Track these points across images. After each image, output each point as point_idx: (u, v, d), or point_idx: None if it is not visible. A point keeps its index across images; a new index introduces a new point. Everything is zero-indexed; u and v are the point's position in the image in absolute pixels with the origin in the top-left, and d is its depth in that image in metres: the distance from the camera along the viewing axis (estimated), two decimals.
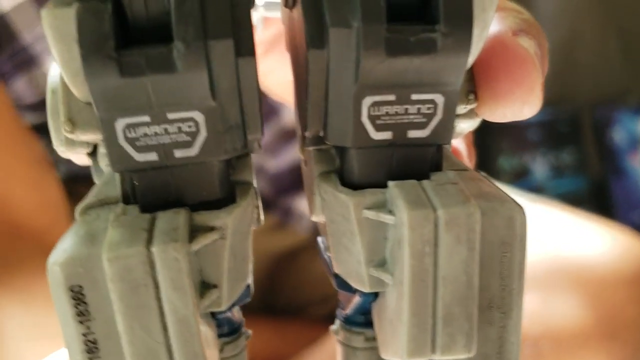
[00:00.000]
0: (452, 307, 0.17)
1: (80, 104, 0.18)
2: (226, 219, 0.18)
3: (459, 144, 0.26)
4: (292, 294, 0.67)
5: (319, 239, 0.22)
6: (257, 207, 0.19)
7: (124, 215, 0.17)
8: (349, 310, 0.21)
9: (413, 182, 0.18)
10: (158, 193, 0.18)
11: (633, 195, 1.07)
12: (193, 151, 0.17)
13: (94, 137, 0.18)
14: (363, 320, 0.21)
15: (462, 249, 0.17)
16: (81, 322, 0.17)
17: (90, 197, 0.19)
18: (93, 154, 0.20)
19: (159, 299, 0.17)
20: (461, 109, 0.19)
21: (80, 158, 0.20)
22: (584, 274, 0.57)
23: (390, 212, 0.17)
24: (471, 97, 0.19)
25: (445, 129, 0.18)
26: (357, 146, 0.18)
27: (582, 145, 1.10)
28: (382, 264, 0.18)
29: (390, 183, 0.18)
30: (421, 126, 0.17)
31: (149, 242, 0.16)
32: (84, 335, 0.17)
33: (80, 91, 0.17)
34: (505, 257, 0.18)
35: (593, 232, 0.59)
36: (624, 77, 1.04)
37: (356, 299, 0.20)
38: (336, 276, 0.20)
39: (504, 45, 0.18)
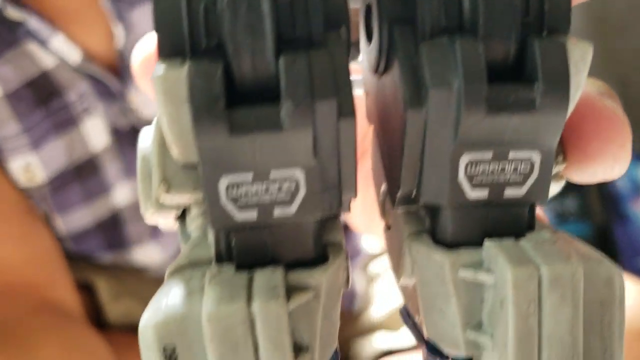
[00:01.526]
0: None
1: (174, 167, 0.18)
2: (321, 278, 0.17)
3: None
4: None
5: (401, 308, 0.21)
6: (347, 268, 0.19)
7: (220, 274, 0.17)
8: None
9: (511, 240, 0.17)
10: (254, 252, 0.17)
11: (636, 242, 1.07)
12: (292, 210, 0.17)
13: (188, 198, 0.18)
14: None
15: (566, 309, 0.17)
16: None
17: (181, 258, 0.18)
18: (181, 217, 0.20)
19: (257, 358, 0.16)
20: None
21: (167, 222, 0.20)
22: None
23: (489, 271, 0.17)
24: (560, 158, 0.19)
25: (542, 187, 0.17)
26: (452, 205, 0.17)
27: (585, 191, 1.11)
28: (478, 327, 0.18)
29: (488, 242, 0.17)
30: (518, 185, 0.17)
31: (249, 299, 0.16)
32: None
33: (182, 152, 0.17)
34: (605, 317, 0.17)
35: None
36: None
37: None
38: (427, 342, 0.19)
39: (592, 106, 0.19)
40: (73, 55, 0.57)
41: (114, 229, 0.63)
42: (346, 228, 0.73)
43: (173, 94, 0.16)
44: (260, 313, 0.16)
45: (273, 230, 0.17)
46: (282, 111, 0.16)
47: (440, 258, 0.18)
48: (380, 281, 0.76)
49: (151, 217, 0.20)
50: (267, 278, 0.17)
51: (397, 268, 0.20)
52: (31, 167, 0.59)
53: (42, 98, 0.58)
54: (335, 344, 0.19)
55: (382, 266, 0.76)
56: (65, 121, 0.59)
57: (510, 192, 0.17)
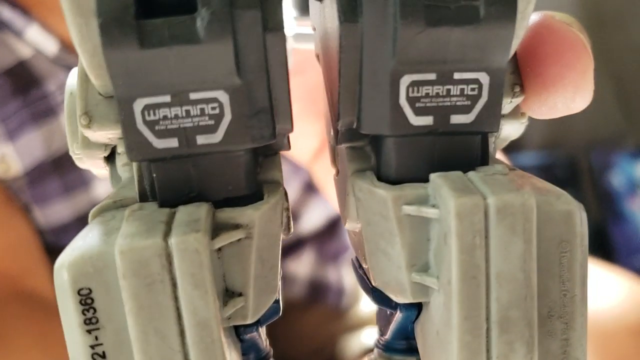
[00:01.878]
0: (509, 310, 0.15)
1: (97, 97, 0.16)
2: (253, 216, 0.16)
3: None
4: (283, 347, 0.65)
5: (353, 258, 0.20)
6: (288, 210, 0.17)
7: (140, 209, 0.16)
8: (388, 335, 0.19)
9: (458, 172, 0.16)
10: (178, 187, 0.16)
11: (633, 240, 1.05)
12: (217, 137, 0.15)
13: (112, 133, 0.17)
14: (404, 346, 0.19)
15: (517, 241, 0.15)
16: (89, 332, 0.15)
17: (106, 199, 0.17)
18: (110, 159, 0.18)
19: (176, 299, 0.15)
20: (506, 103, 0.17)
21: (97, 165, 0.19)
22: (589, 324, 0.54)
23: (434, 206, 0.16)
24: (517, 89, 0.17)
25: (492, 113, 0.16)
26: (395, 133, 0.16)
27: (580, 189, 1.09)
28: (425, 269, 0.16)
29: (433, 175, 0.16)
30: (465, 110, 0.16)
31: (167, 234, 0.15)
32: (92, 347, 0.15)
33: (97, 75, 0.15)
34: (564, 257, 0.16)
35: (595, 279, 0.57)
36: (620, 121, 1.03)
37: (396, 320, 0.18)
38: (374, 290, 0.18)
39: (551, 29, 0.17)
40: (49, 45, 0.56)
41: None
42: (332, 228, 0.72)
43: (81, 5, 0.14)
44: (178, 247, 0.15)
45: (198, 162, 0.16)
46: (197, 21, 0.14)
47: (383, 194, 0.16)
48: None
49: (80, 160, 0.18)
50: (189, 212, 0.15)
51: (343, 212, 0.18)
52: (6, 158, 0.57)
53: (20, 88, 0.56)
54: (275, 294, 0.17)
55: None
56: (44, 112, 0.57)
57: (457, 119, 0.16)
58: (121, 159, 0.18)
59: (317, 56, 0.20)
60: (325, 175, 0.38)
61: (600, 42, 1.03)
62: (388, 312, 0.18)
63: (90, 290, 0.15)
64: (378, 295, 0.17)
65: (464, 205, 0.15)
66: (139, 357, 0.15)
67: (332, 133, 0.19)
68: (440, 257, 0.16)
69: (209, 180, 0.16)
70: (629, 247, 1.06)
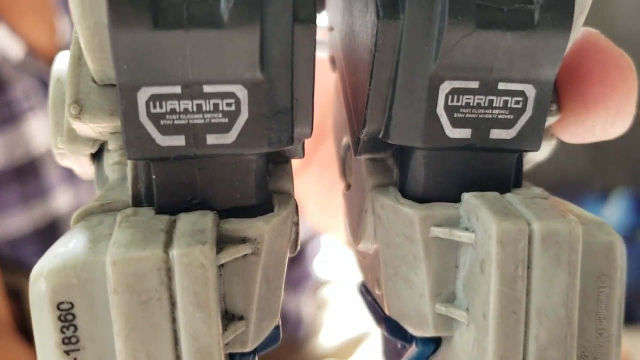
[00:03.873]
0: (548, 350, 0.13)
1: (91, 85, 0.14)
2: (262, 230, 0.14)
3: None
4: None
5: (359, 283, 0.18)
6: (297, 225, 0.16)
7: (135, 215, 0.14)
8: None
9: (495, 194, 0.14)
10: (180, 192, 0.14)
11: None
12: (230, 138, 0.13)
13: (104, 127, 0.15)
14: None
15: (562, 274, 0.13)
16: (67, 353, 0.13)
17: (91, 202, 0.15)
18: (97, 157, 0.16)
19: (174, 321, 0.13)
20: None
21: (82, 163, 0.16)
22: None
23: (467, 230, 0.14)
24: (554, 107, 0.16)
25: (535, 130, 0.14)
26: (428, 146, 0.14)
27: None
28: (451, 300, 0.14)
29: (467, 195, 0.14)
30: (507, 125, 0.14)
31: (168, 245, 0.13)
32: None
33: (96, 59, 0.13)
34: (602, 293, 0.14)
35: None
36: (588, 164, 1.04)
37: (408, 356, 0.16)
38: (387, 320, 0.16)
39: (597, 45, 0.16)
40: (15, 50, 0.54)
41: (52, 237, 0.59)
42: (295, 255, 0.70)
43: None
44: (181, 261, 0.13)
45: (205, 165, 0.14)
46: (222, 3, 0.12)
47: (409, 213, 0.14)
48: (331, 309, 0.73)
49: (63, 156, 0.16)
50: (193, 221, 0.13)
51: (357, 231, 0.16)
52: None
53: None
54: (277, 319, 0.15)
55: (333, 293, 0.73)
56: (7, 119, 0.55)
57: (497, 134, 0.14)
58: (112, 157, 0.16)
59: (332, 59, 0.18)
60: (305, 194, 0.36)
61: None
62: (399, 346, 0.17)
63: (72, 305, 0.13)
64: (392, 326, 0.16)
65: (508, 231, 0.13)
66: None
67: (343, 143, 0.17)
68: (472, 287, 0.14)
69: (215, 186, 0.14)
70: None
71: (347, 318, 0.71)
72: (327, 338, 0.69)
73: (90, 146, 0.16)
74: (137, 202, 0.14)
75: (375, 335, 0.67)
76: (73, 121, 0.14)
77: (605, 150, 1.03)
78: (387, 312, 0.16)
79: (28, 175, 0.58)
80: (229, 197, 0.14)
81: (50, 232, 0.60)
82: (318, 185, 0.27)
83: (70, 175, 0.59)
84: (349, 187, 0.18)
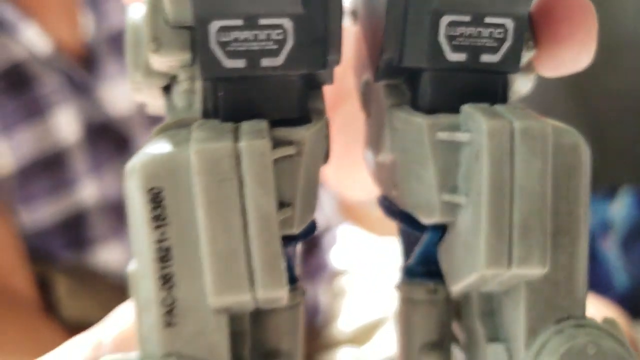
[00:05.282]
0: (528, 219, 0.17)
1: (164, 27, 0.18)
2: (304, 135, 0.18)
3: None
4: None
5: (378, 197, 0.22)
6: (328, 138, 0.20)
7: (206, 122, 0.18)
8: (411, 260, 0.21)
9: (486, 104, 0.18)
10: (240, 105, 0.18)
11: (604, 280, 1.08)
12: (279, 60, 0.18)
13: (176, 59, 0.19)
14: (424, 270, 0.21)
15: (536, 161, 0.17)
16: (156, 228, 0.17)
17: (166, 121, 0.19)
18: (167, 90, 0.20)
19: (242, 196, 0.17)
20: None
21: (153, 95, 0.21)
22: None
23: (465, 132, 0.18)
24: (530, 44, 0.20)
25: (515, 56, 0.18)
26: (433, 67, 0.18)
27: None
28: (454, 190, 0.18)
29: (464, 106, 0.18)
30: (493, 50, 0.18)
31: (236, 139, 0.17)
32: (158, 242, 0.17)
33: (175, 1, 0.18)
34: (572, 182, 0.18)
35: None
36: (594, 163, 1.07)
37: (420, 244, 0.20)
38: (403, 214, 0.20)
39: None
40: (43, 46, 0.58)
41: (77, 228, 0.63)
42: (312, 246, 0.73)
43: None
44: (247, 149, 0.17)
45: (259, 84, 0.18)
46: None
47: (419, 121, 0.18)
48: (346, 297, 0.76)
49: (138, 90, 0.20)
50: (252, 125, 0.17)
51: (377, 147, 0.20)
52: (1, 154, 0.58)
53: (14, 89, 0.58)
54: (313, 214, 0.19)
55: (349, 282, 0.76)
56: (37, 112, 0.59)
57: (486, 58, 0.18)
58: (181, 86, 0.20)
59: (353, 13, 0.22)
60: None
61: (579, 89, 1.07)
62: (412, 240, 0.21)
63: (160, 190, 0.17)
64: (407, 219, 0.20)
65: (495, 126, 0.17)
66: (206, 247, 0.17)
67: (363, 80, 0.21)
68: (470, 176, 0.18)
69: (267, 100, 0.18)
70: (600, 287, 1.08)
71: (363, 305, 0.74)
72: (343, 324, 0.73)
73: (162, 79, 0.20)
74: (205, 116, 0.18)
75: (388, 321, 0.70)
76: (151, 55, 0.19)
77: (611, 148, 1.06)
78: (402, 207, 0.20)
79: (55, 166, 0.61)
80: (277, 110, 0.18)
81: (75, 224, 0.63)
82: (334, 144, 0.30)
83: (95, 167, 0.62)
84: (369, 115, 0.22)
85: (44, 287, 0.63)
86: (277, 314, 0.20)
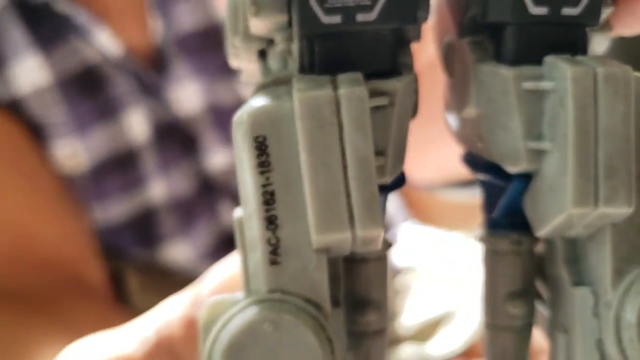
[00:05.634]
0: (613, 160, 0.18)
1: None
2: (396, 86, 0.19)
3: None
4: None
5: (462, 154, 0.23)
6: (417, 92, 0.21)
7: (305, 76, 0.19)
8: (495, 213, 0.22)
9: (568, 55, 0.19)
10: (336, 60, 0.19)
11: None
12: (372, 15, 0.19)
13: (274, 22, 0.20)
14: (508, 222, 0.22)
15: (620, 104, 0.18)
16: (262, 173, 0.18)
17: (264, 80, 0.20)
18: (262, 56, 0.22)
19: (341, 140, 0.18)
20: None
21: (250, 59, 0.22)
22: None
23: (549, 81, 0.19)
24: (608, 0, 0.21)
25: (595, 8, 0.19)
26: (515, 21, 0.19)
27: None
28: (539, 137, 0.19)
29: (547, 57, 0.19)
30: (573, 3, 0.19)
31: (335, 88, 0.18)
32: (263, 186, 0.19)
33: None
34: None
35: None
36: None
37: (505, 195, 0.21)
38: (489, 165, 0.21)
39: None
40: (115, 49, 0.60)
41: (146, 226, 0.65)
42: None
43: None
44: (346, 96, 0.18)
45: (353, 38, 0.19)
46: None
47: (505, 72, 0.20)
48: (410, 294, 0.76)
49: (236, 55, 0.22)
50: (349, 75, 0.19)
51: (462, 103, 0.21)
52: (77, 153, 0.61)
53: (88, 91, 0.61)
54: (402, 166, 0.20)
55: (411, 280, 0.77)
56: (110, 113, 0.61)
57: (567, 11, 0.19)
58: (278, 47, 0.21)
59: None
60: None
61: None
62: (495, 192, 0.22)
63: (265, 138, 0.18)
64: (492, 170, 0.21)
65: (578, 72, 0.18)
66: (309, 187, 0.18)
67: (446, 40, 0.23)
68: (555, 122, 0.19)
69: (361, 54, 0.19)
70: None
71: (426, 302, 0.74)
72: (405, 321, 0.73)
73: (260, 43, 0.21)
74: (302, 70, 0.20)
75: (454, 316, 0.70)
76: (251, 18, 0.20)
77: None
78: (488, 158, 0.21)
79: (127, 165, 0.63)
80: (370, 63, 0.19)
81: (145, 221, 0.65)
82: None
83: (163, 166, 0.64)
84: (452, 74, 0.23)
85: (117, 282, 0.65)
86: (366, 264, 0.22)
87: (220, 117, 0.65)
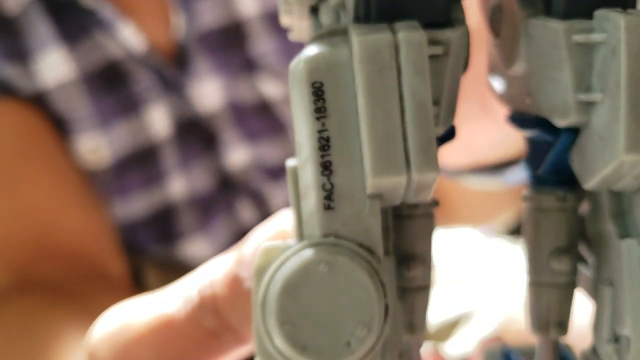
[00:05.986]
0: None
1: None
2: (451, 35, 0.20)
3: None
4: None
5: (507, 116, 0.23)
6: (468, 47, 0.21)
7: (361, 25, 0.19)
8: (541, 169, 0.22)
9: (618, 9, 0.20)
10: (392, 8, 0.20)
11: None
12: None
13: None
14: (554, 179, 0.22)
15: None
16: (318, 119, 0.19)
17: (317, 32, 0.21)
18: (312, 13, 0.22)
19: (400, 84, 0.18)
20: None
21: (302, 16, 0.22)
22: None
23: (600, 33, 0.19)
24: None
25: None
26: None
27: None
28: (589, 89, 0.20)
29: (597, 11, 0.20)
30: None
31: (394, 32, 0.18)
32: (319, 132, 0.19)
33: None
34: None
35: None
36: None
37: (553, 150, 0.21)
38: (538, 120, 0.21)
39: None
40: (138, 45, 0.61)
41: (166, 222, 0.65)
42: None
43: None
44: (404, 40, 0.18)
45: None
46: None
47: (555, 26, 0.20)
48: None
49: (288, 12, 0.22)
50: (406, 23, 0.19)
51: (510, 59, 0.22)
52: (100, 148, 0.61)
53: (111, 85, 0.61)
54: (453, 118, 0.21)
55: (435, 277, 0.77)
56: (132, 108, 0.62)
57: None
58: (331, 1, 0.21)
59: None
60: None
61: None
62: (542, 149, 0.22)
63: (322, 84, 0.19)
64: (540, 125, 0.21)
65: (631, 21, 0.18)
66: (366, 131, 0.18)
67: (491, 3, 0.23)
68: (605, 72, 0.19)
69: (416, 4, 0.20)
70: None
71: (444, 303, 0.74)
72: (431, 317, 0.73)
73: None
74: (357, 20, 0.20)
75: (473, 317, 0.70)
76: None
77: None
78: (536, 113, 0.21)
79: (148, 161, 0.64)
80: (425, 13, 0.20)
81: (164, 217, 0.66)
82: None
83: (184, 162, 0.65)
84: (497, 34, 0.23)
85: (136, 278, 0.65)
86: (413, 220, 0.22)
87: (241, 114, 0.66)
